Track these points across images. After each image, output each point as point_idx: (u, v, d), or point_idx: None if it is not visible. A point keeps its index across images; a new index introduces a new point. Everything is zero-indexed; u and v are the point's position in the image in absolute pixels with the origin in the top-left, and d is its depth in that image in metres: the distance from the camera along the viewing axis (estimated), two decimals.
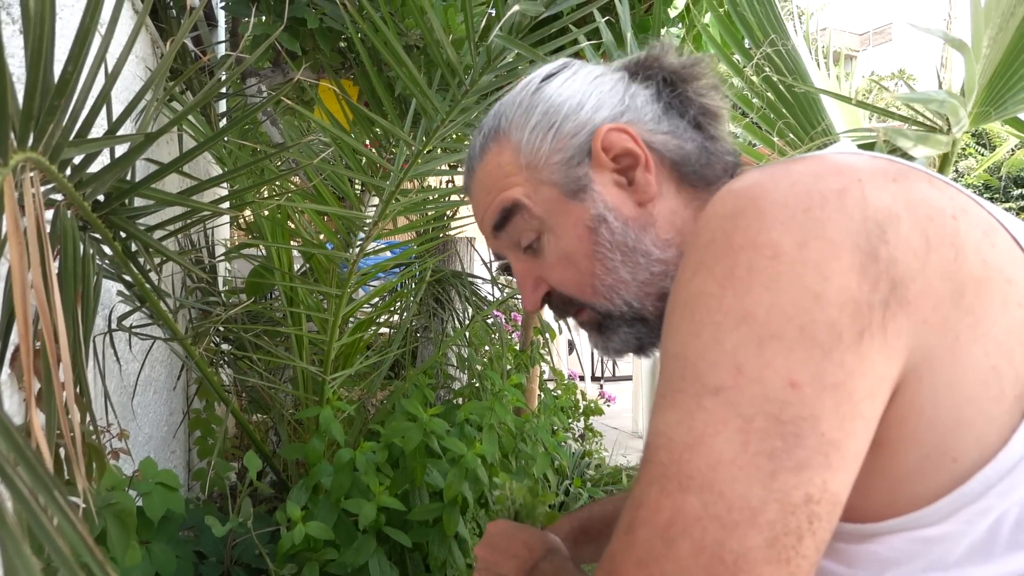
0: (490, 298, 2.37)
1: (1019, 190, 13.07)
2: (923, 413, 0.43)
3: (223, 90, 1.87)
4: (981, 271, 0.44)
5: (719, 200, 0.47)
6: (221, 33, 2.60)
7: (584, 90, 0.62)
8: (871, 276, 0.41)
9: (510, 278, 2.64)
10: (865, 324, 0.41)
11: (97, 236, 0.88)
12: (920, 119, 1.39)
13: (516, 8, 1.16)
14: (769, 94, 1.56)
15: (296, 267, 2.02)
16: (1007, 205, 12.68)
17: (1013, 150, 11.56)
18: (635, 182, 0.59)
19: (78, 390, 0.75)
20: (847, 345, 0.41)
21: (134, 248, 0.97)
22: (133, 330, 1.30)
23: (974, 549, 0.43)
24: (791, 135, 1.53)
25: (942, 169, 1.35)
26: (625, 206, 0.59)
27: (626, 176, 0.60)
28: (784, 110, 1.54)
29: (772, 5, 1.57)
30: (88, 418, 0.79)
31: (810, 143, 1.48)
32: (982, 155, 11.58)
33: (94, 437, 0.82)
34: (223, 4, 1.95)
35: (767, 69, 1.52)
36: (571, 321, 0.67)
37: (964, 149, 11.75)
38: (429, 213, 2.01)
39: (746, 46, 1.65)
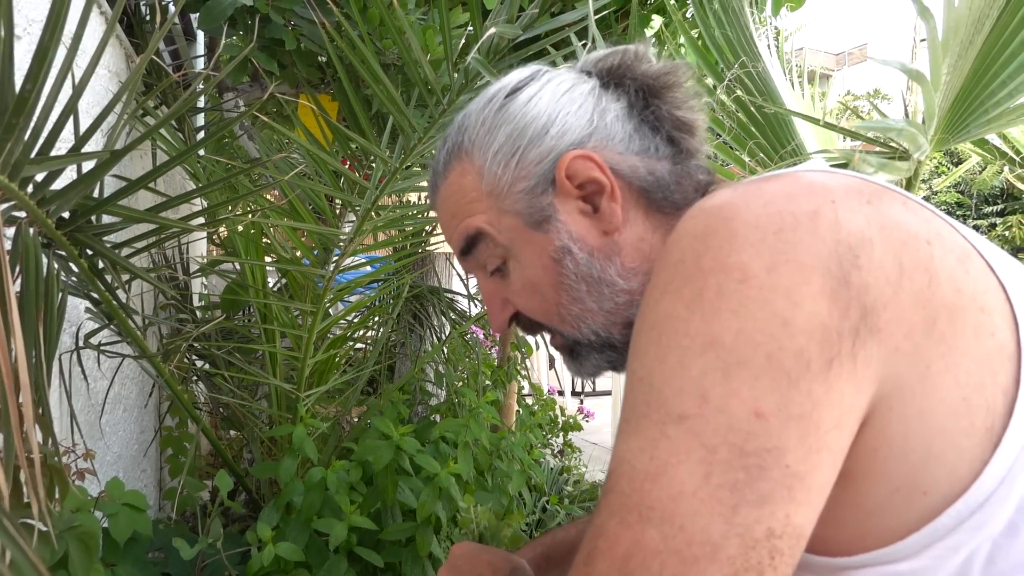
0: (468, 313, 2.37)
1: (989, 207, 13.38)
2: (893, 444, 0.42)
3: (200, 105, 1.86)
4: (954, 299, 0.43)
5: (690, 218, 0.46)
6: (200, 48, 2.59)
7: (550, 110, 0.59)
8: (842, 302, 0.40)
9: None
10: (834, 352, 0.40)
11: (63, 253, 0.86)
12: (889, 141, 1.41)
13: (492, 31, 1.17)
14: (740, 115, 1.58)
15: (273, 283, 2.01)
16: (978, 222, 12.98)
17: (980, 169, 11.84)
18: (600, 210, 0.58)
19: (40, 411, 0.74)
20: (815, 374, 0.40)
21: (101, 265, 0.96)
22: (101, 348, 1.28)
23: None
24: (761, 155, 1.55)
25: (908, 190, 1.37)
26: (590, 235, 0.58)
27: (591, 204, 0.58)
28: (755, 130, 1.56)
29: (745, 27, 1.60)
30: (50, 439, 0.77)
31: (780, 162, 1.50)
32: None
33: (56, 458, 0.80)
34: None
35: (738, 90, 1.54)
36: (548, 337, 0.67)
37: (937, 167, 12.02)
38: (407, 229, 2.01)
39: (719, 68, 1.67)
